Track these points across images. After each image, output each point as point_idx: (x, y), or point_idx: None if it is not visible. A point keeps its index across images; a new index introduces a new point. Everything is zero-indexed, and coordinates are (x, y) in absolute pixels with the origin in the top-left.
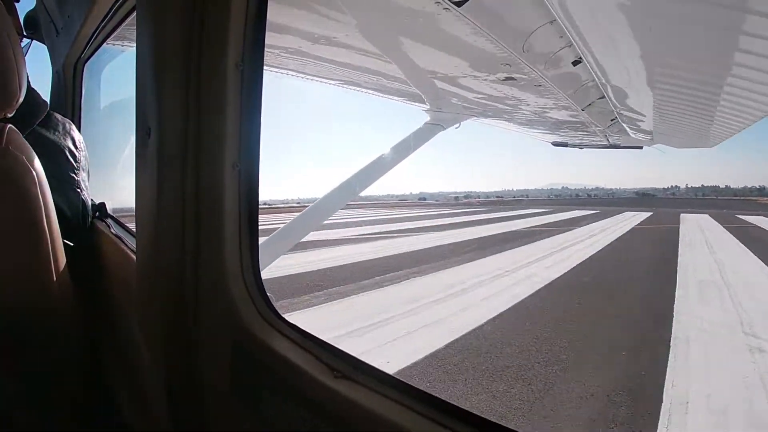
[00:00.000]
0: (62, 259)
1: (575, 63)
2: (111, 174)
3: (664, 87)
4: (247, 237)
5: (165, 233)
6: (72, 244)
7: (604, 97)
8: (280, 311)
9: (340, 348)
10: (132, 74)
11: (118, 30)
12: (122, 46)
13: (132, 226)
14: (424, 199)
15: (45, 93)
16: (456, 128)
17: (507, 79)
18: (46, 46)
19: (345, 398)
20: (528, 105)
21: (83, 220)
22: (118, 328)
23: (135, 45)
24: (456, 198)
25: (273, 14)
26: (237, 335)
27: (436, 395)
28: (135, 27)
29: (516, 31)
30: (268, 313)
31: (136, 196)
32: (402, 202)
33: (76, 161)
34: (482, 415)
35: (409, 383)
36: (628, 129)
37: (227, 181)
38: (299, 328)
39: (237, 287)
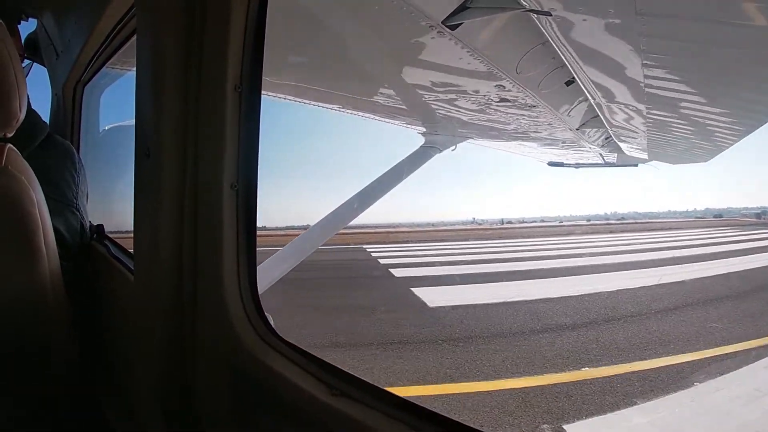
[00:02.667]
0: (59, 281)
1: (568, 83)
2: (109, 196)
3: (658, 104)
4: (245, 257)
5: (163, 254)
6: (69, 266)
7: (598, 116)
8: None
9: (338, 366)
10: (131, 97)
11: (118, 53)
12: (121, 69)
13: (126, 246)
14: (720, 216)
15: (44, 115)
16: (452, 150)
17: (501, 100)
18: (45, 69)
19: (343, 415)
20: (522, 126)
21: (81, 242)
22: (115, 349)
23: (134, 68)
24: (758, 215)
25: (270, 38)
26: (234, 355)
27: (441, 413)
28: (134, 50)
29: (509, 53)
30: (265, 332)
31: (135, 217)
32: (699, 220)
33: (74, 183)
34: None
35: (409, 399)
36: (622, 147)
37: (226, 202)
38: (297, 347)
39: (235, 307)
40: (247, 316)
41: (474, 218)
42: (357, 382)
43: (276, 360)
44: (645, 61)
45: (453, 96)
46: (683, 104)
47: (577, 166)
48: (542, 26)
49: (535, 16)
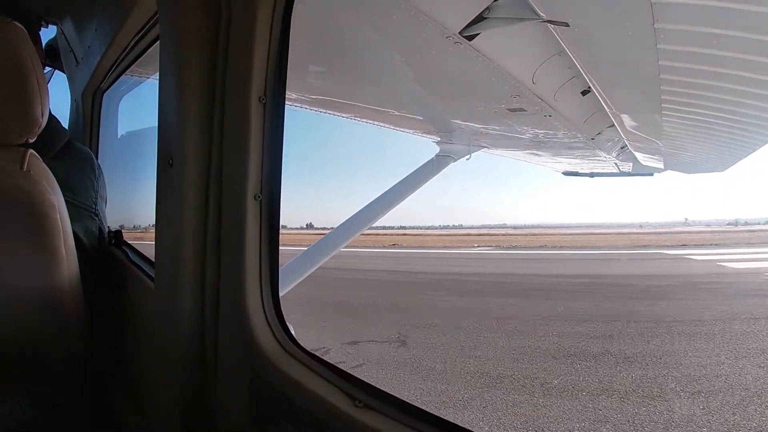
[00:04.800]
0: (78, 285)
1: (584, 93)
2: (128, 201)
3: (674, 113)
4: (268, 267)
5: (185, 263)
6: (88, 271)
7: (613, 125)
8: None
9: (361, 378)
10: (150, 104)
11: (138, 61)
12: (140, 76)
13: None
14: None
15: (63, 120)
16: (467, 159)
17: (517, 110)
18: (65, 75)
19: (367, 428)
20: (538, 135)
21: (99, 247)
22: (133, 355)
23: (156, 76)
24: None
25: (292, 51)
26: (256, 365)
27: (465, 426)
28: (155, 57)
29: (525, 64)
30: (287, 342)
31: (156, 225)
32: None
33: (93, 189)
34: None
35: (435, 413)
36: (638, 156)
37: (249, 212)
38: (319, 358)
39: (257, 317)
40: (269, 325)
41: (686, 219)
42: (381, 394)
43: (298, 370)
44: (661, 71)
45: (468, 105)
46: (700, 113)
47: (592, 175)
48: (559, 36)
49: (552, 26)
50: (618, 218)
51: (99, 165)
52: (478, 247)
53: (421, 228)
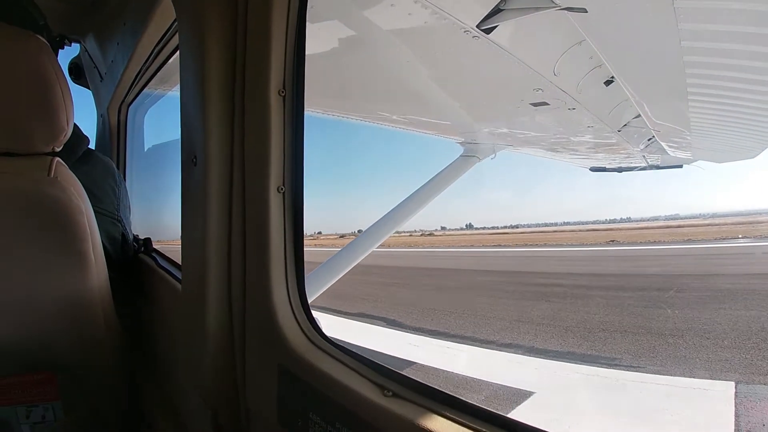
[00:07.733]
0: (107, 290)
1: (607, 83)
2: (156, 210)
3: (699, 96)
4: (293, 260)
5: (212, 259)
6: (115, 277)
7: (639, 116)
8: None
9: (389, 367)
10: (173, 116)
11: (161, 72)
12: (164, 89)
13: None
14: None
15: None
16: (492, 159)
17: (540, 104)
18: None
19: (396, 417)
20: (562, 130)
21: (125, 253)
22: (163, 357)
23: (176, 88)
24: None
25: (310, 48)
26: (283, 359)
27: (497, 412)
28: (176, 69)
29: (545, 55)
30: (314, 335)
31: (182, 225)
32: None
33: (115, 196)
34: None
35: (466, 400)
36: (666, 147)
37: (272, 205)
38: (346, 349)
39: (283, 311)
40: (296, 319)
41: None
42: (410, 382)
43: (326, 362)
44: (684, 52)
45: (490, 102)
46: (727, 98)
47: (620, 170)
48: (578, 25)
49: (571, 14)
50: None
51: (120, 174)
52: (742, 238)
53: (593, 223)
